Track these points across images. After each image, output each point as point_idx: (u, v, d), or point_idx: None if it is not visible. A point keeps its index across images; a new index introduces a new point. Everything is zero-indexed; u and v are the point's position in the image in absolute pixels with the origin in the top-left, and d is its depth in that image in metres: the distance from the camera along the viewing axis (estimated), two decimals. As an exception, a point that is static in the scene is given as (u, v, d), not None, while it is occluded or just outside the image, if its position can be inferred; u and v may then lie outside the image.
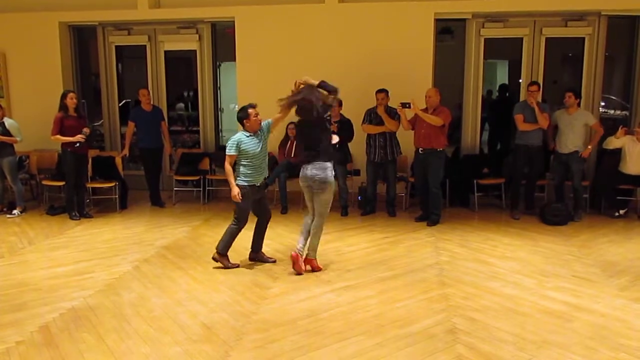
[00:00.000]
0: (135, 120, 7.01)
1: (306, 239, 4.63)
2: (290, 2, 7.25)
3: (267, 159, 4.76)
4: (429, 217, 6.20)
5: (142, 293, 4.18)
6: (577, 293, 4.14)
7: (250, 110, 4.57)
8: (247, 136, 4.59)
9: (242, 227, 4.75)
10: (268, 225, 4.93)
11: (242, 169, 4.60)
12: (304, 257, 4.60)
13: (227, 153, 4.58)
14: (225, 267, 4.72)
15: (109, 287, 4.31)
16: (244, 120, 4.60)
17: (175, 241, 5.59)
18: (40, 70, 7.82)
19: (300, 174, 4.60)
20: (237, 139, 4.56)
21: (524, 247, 5.32)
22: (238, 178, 4.61)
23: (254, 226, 4.89)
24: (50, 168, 7.39)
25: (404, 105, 5.94)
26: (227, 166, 4.57)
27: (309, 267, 4.63)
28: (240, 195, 4.54)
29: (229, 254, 4.78)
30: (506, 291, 4.18)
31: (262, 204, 4.86)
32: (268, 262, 4.87)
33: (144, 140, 7.05)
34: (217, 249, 4.78)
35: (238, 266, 4.76)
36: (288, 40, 7.33)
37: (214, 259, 4.77)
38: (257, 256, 4.92)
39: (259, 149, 4.61)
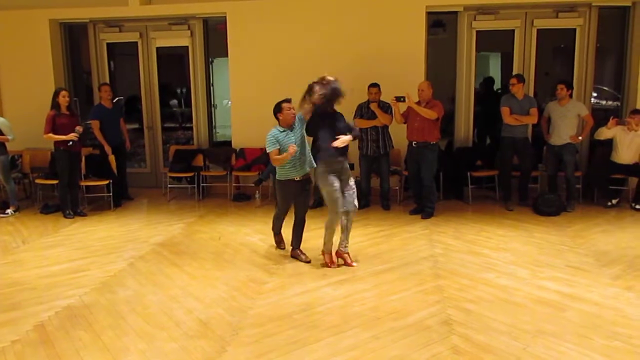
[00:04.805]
0: (100, 117, 6.91)
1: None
2: (281, -4, 7.24)
3: (306, 151, 4.70)
4: (423, 210, 6.22)
5: (137, 290, 4.18)
6: (570, 283, 4.17)
7: (284, 105, 4.56)
8: (281, 131, 4.56)
9: (283, 215, 4.97)
10: (304, 223, 4.89)
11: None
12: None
13: (268, 150, 4.55)
14: (277, 245, 5.09)
15: (104, 284, 4.30)
16: (278, 115, 4.59)
17: (170, 238, 5.58)
18: (31, 68, 7.76)
19: (329, 167, 4.51)
20: (273, 135, 4.53)
21: (517, 238, 5.36)
22: (277, 173, 4.73)
23: (292, 223, 4.87)
24: (44, 167, 7.35)
25: (399, 99, 5.94)
26: (276, 157, 4.52)
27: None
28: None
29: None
30: (500, 282, 4.21)
31: (300, 200, 4.78)
32: (302, 260, 4.75)
33: (107, 137, 6.93)
34: (272, 229, 5.13)
35: (283, 248, 5.09)
36: (280, 35, 7.30)
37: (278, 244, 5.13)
38: (293, 253, 4.87)
39: (295, 142, 4.57)
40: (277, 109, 4.60)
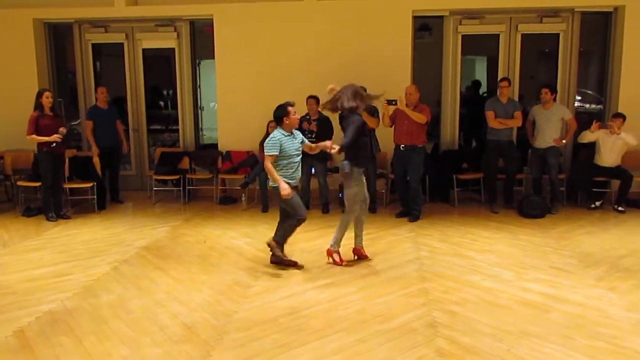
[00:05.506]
0: (94, 118, 6.88)
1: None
2: (268, -1, 7.24)
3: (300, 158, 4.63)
4: (410, 213, 6.23)
5: (121, 294, 4.12)
6: (554, 284, 4.21)
7: (289, 108, 4.44)
8: (286, 135, 4.46)
9: (303, 218, 4.54)
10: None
11: (282, 169, 4.48)
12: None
13: (268, 153, 4.39)
14: (278, 259, 4.63)
15: (87, 289, 4.24)
16: (284, 118, 4.45)
17: (155, 241, 5.52)
18: (14, 68, 7.65)
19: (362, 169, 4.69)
20: (278, 138, 4.41)
21: (502, 240, 5.39)
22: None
23: (276, 226, 4.76)
24: (26, 168, 7.24)
25: (390, 102, 5.92)
26: (269, 165, 4.40)
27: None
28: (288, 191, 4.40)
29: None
30: (485, 284, 4.23)
31: None
32: (288, 263, 4.64)
33: (102, 138, 6.90)
34: (273, 239, 4.66)
35: (295, 263, 4.66)
36: (266, 38, 7.30)
37: (268, 244, 4.67)
38: (277, 259, 4.70)
39: (297, 147, 4.52)
40: (284, 113, 4.44)
